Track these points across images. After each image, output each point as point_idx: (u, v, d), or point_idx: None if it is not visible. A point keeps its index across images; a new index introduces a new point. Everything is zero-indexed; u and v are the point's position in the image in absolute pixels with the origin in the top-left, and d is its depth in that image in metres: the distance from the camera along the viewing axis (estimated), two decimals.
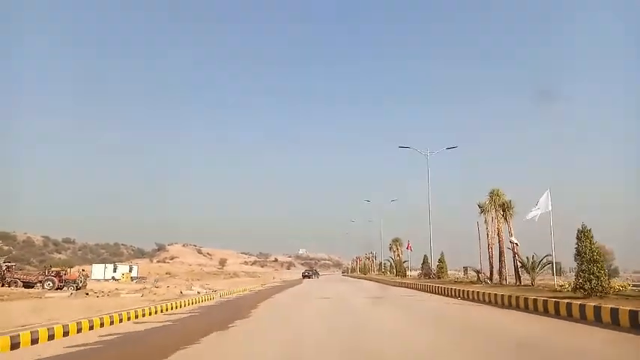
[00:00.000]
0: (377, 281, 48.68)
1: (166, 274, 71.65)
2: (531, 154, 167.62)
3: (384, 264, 71.51)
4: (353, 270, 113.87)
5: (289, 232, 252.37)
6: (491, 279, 25.46)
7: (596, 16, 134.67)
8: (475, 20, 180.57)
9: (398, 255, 55.88)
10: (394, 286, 36.29)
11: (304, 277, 70.05)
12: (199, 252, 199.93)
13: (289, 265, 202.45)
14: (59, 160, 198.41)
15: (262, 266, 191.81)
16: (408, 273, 52.89)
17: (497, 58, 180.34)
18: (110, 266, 62.74)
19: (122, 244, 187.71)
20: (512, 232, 23.84)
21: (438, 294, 24.02)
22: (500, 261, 24.96)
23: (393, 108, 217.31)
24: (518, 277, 23.16)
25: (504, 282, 24.31)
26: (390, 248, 58.84)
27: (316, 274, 77.22)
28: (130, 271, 62.52)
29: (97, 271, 59.67)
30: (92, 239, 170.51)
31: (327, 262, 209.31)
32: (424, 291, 27.27)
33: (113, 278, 56.79)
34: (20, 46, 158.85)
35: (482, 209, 25.54)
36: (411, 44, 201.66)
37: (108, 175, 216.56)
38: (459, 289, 21.70)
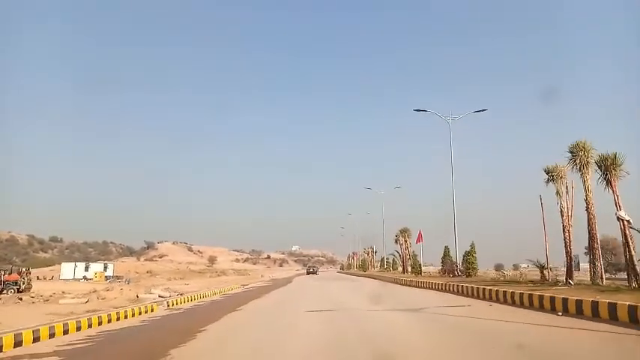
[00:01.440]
0: (383, 279, 40.88)
1: (147, 272, 66.69)
2: None
3: (387, 259, 65.19)
4: (349, 266, 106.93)
5: (283, 229, 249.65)
6: (570, 277, 17.74)
7: None
8: None
9: (406, 248, 48.24)
10: (411, 286, 28.12)
11: (308, 273, 78.62)
12: (190, 250, 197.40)
13: (282, 263, 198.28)
14: (48, 158, 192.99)
15: (254, 263, 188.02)
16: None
17: None
18: (81, 265, 57.45)
19: (111, 242, 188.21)
20: (620, 203, 15.46)
21: (494, 301, 16.01)
22: (592, 250, 17.14)
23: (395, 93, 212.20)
24: (635, 274, 14.81)
25: (600, 281, 16.50)
26: (396, 240, 50.74)
27: (316, 270, 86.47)
28: (105, 269, 57.50)
29: (67, 270, 54.42)
30: (81, 238, 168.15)
31: (320, 258, 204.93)
32: (462, 294, 19.29)
33: (85, 278, 51.84)
34: None
35: (554, 174, 18.02)
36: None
37: (100, 174, 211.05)
38: (554, 297, 12.85)
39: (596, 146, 16.67)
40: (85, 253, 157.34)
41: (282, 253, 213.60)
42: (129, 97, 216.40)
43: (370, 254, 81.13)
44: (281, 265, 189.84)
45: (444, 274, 32.29)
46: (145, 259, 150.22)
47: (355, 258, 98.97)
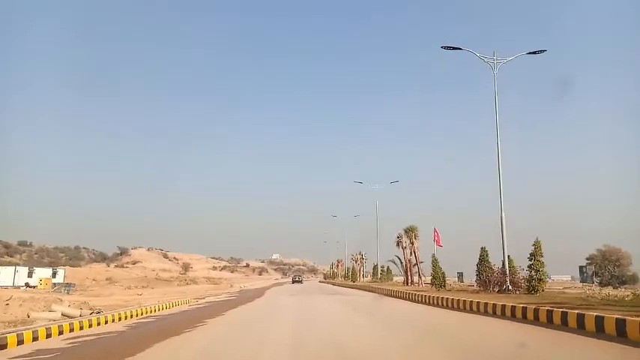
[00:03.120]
0: (390, 294, 28.25)
1: (107, 280, 60.18)
2: None
3: (382, 267, 54.31)
4: (334, 275, 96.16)
5: (263, 237, 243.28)
6: None
7: None
8: None
9: (412, 252, 38.02)
10: (459, 310, 16.27)
11: (294, 282, 77.21)
12: (165, 256, 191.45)
13: (261, 271, 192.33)
14: (18, 160, 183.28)
15: (232, 272, 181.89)
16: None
17: None
18: (23, 270, 50.59)
19: (84, 248, 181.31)
20: None
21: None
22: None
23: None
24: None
25: None
26: (398, 244, 40.21)
27: (301, 280, 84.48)
28: (54, 276, 50.75)
29: (6, 275, 47.37)
30: (52, 242, 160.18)
31: (302, 267, 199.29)
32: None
33: (27, 285, 45.26)
34: None
35: None
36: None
37: (78, 177, 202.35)
38: None
39: None
40: (55, 258, 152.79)
41: (262, 262, 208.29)
42: (110, 99, 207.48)
43: (359, 262, 70.17)
44: (260, 274, 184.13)
45: (482, 288, 21.48)
46: (116, 266, 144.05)
47: (340, 266, 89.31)
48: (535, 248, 18.68)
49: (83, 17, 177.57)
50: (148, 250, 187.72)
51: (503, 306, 13.48)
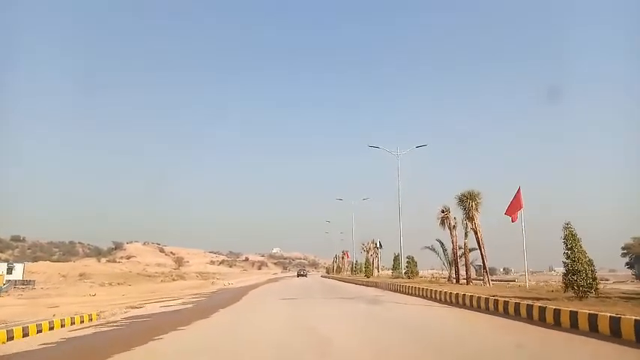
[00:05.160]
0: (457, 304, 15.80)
1: (80, 275, 53.95)
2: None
3: (404, 261, 37.55)
4: (338, 269, 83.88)
5: (263, 230, 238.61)
6: None
7: None
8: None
9: (474, 226, 24.32)
10: None
11: (299, 275, 75.61)
12: (161, 251, 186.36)
13: (261, 265, 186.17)
14: (14, 155, 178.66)
15: (230, 266, 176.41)
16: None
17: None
18: None
19: (78, 243, 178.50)
20: None
21: None
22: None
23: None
24: None
25: None
26: (443, 222, 27.82)
27: (306, 273, 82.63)
28: (10, 271, 44.37)
29: None
30: (47, 237, 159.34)
31: (302, 260, 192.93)
32: None
33: None
34: None
35: None
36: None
37: (76, 172, 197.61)
38: None
39: None
40: (49, 253, 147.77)
41: (262, 256, 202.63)
42: (106, 97, 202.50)
43: (373, 252, 56.27)
44: (260, 268, 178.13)
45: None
46: (108, 261, 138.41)
47: (347, 258, 77.03)
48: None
49: (83, 17, 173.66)
50: (144, 244, 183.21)
51: None
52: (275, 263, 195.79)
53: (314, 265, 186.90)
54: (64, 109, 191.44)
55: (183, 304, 20.25)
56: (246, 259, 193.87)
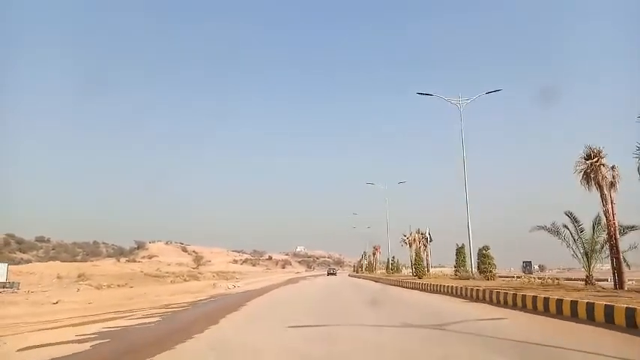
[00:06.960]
0: None
1: (79, 276, 49.28)
2: None
3: (474, 255, 27.36)
4: (369, 267, 76.21)
5: (287, 229, 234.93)
6: None
7: None
8: None
9: (610, 202, 15.81)
10: None
11: (329, 274, 74.70)
12: (184, 250, 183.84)
13: (284, 264, 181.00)
14: (37, 156, 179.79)
15: (254, 265, 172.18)
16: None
17: None
18: None
19: (103, 243, 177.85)
20: None
21: None
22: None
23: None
24: None
25: None
26: (587, 175, 16.39)
27: (335, 272, 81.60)
28: None
29: None
30: (71, 238, 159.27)
31: (326, 259, 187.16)
32: None
33: None
34: None
35: None
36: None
37: (99, 173, 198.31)
38: None
39: None
40: (73, 253, 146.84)
41: (286, 254, 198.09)
42: (123, 98, 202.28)
43: (420, 243, 45.37)
44: (283, 267, 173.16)
45: None
46: (128, 260, 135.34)
47: (378, 254, 68.66)
48: None
49: (83, 18, 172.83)
50: (167, 243, 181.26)
51: None
52: (299, 262, 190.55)
53: (339, 263, 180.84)
54: (82, 109, 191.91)
55: (165, 315, 13.60)
56: (270, 258, 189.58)
